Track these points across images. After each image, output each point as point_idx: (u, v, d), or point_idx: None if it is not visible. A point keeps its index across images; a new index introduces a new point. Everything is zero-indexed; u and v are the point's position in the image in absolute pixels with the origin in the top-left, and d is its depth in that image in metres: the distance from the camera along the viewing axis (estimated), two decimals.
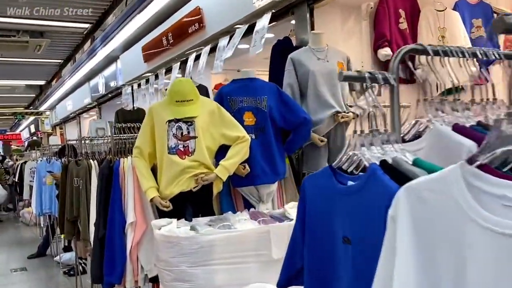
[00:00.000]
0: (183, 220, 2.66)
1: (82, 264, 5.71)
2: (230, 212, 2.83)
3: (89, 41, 7.82)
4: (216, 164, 2.86)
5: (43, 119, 15.69)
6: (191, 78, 4.34)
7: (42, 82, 11.38)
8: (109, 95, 8.20)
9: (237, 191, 3.18)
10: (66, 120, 12.37)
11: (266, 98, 2.99)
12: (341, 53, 3.27)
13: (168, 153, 2.77)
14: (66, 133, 12.80)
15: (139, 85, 6.59)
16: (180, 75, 6.00)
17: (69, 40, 7.51)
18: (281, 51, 3.40)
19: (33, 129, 17.85)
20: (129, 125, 4.01)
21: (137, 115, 6.91)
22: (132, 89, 6.77)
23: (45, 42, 6.59)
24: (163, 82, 5.82)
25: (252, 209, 2.96)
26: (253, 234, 2.53)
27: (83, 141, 4.81)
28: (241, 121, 2.94)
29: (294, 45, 3.46)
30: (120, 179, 2.91)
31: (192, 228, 2.58)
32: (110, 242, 2.83)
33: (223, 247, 2.46)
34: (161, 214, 2.78)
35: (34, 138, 15.43)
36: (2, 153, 16.88)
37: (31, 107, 15.03)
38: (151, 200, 2.77)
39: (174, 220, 2.54)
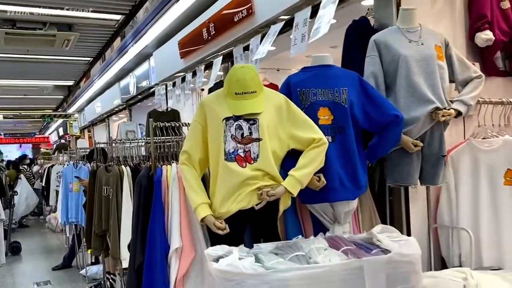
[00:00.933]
0: (242, 246, 2.03)
1: (111, 280, 5.14)
2: (300, 237, 2.19)
3: (119, 38, 7.32)
4: (284, 175, 2.23)
5: (71, 122, 15.41)
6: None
7: (70, 83, 10.99)
8: (139, 96, 7.69)
9: (304, 208, 2.54)
10: (94, 122, 11.98)
11: (346, 90, 2.34)
12: (438, 35, 2.60)
13: (225, 159, 2.16)
14: (94, 136, 12.42)
15: (173, 84, 6.04)
16: (222, 73, 5.42)
17: (98, 35, 7.01)
18: (357, 34, 2.74)
19: (61, 132, 17.63)
20: (166, 124, 3.39)
21: (172, 117, 6.38)
22: (166, 89, 6.21)
23: (73, 36, 6.10)
24: (201, 80, 5.23)
25: (327, 234, 2.32)
26: (340, 271, 1.89)
27: (113, 144, 4.25)
28: (314, 120, 2.30)
29: (373, 26, 2.80)
30: (163, 192, 2.30)
31: (257, 260, 1.95)
32: (148, 272, 2.22)
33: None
34: (214, 238, 2.16)
35: (62, 141, 15.14)
36: (31, 157, 16.69)
37: (59, 109, 14.75)
38: (202, 220, 2.15)
39: (235, 250, 1.92)
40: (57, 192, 8.25)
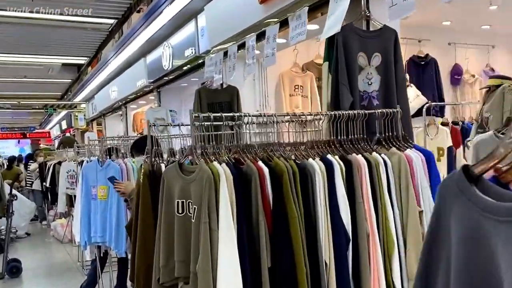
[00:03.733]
0: None
1: None
2: None
3: None
4: None
5: (76, 113, 13.66)
6: None
7: (82, 60, 9.14)
8: (176, 72, 5.96)
9: None
10: (106, 113, 10.23)
11: None
12: None
13: None
14: (106, 129, 10.67)
15: (225, 54, 4.37)
16: (317, 26, 3.73)
17: None
18: None
19: (64, 126, 15.89)
20: None
21: (229, 96, 4.69)
22: (223, 57, 4.51)
23: None
24: (273, 46, 3.51)
25: None
26: None
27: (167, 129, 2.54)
28: None
29: None
30: None
31: None
32: None
33: None
34: None
35: (67, 134, 13.39)
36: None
37: (64, 98, 12.95)
38: None
39: None
40: (68, 196, 6.55)
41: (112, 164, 3.99)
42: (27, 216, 8.55)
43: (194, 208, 1.99)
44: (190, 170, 2.08)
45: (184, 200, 2.07)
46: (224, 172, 1.97)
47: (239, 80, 4.69)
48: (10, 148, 21.85)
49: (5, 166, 10.69)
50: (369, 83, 2.71)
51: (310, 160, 2.07)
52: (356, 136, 2.24)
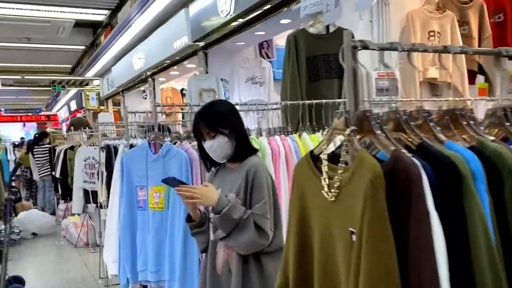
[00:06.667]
0: None
1: None
2: None
3: None
4: None
5: (87, 92, 12.00)
6: None
7: (101, 17, 7.30)
8: (239, 21, 4.26)
9: None
10: (126, 88, 8.56)
11: None
12: None
13: None
14: (125, 108, 8.97)
15: None
16: None
17: None
18: None
19: (74, 107, 14.26)
20: None
21: (339, 45, 3.02)
22: None
23: None
24: None
25: None
26: None
27: None
28: None
29: None
30: None
31: None
32: None
33: None
34: None
35: (79, 115, 11.73)
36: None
37: (74, 73, 11.23)
38: None
39: None
40: (86, 191, 4.94)
41: (174, 150, 2.35)
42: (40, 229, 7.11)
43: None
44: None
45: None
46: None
47: (351, 21, 3.01)
48: (15, 132, 20.32)
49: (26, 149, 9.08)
50: None
51: None
52: None
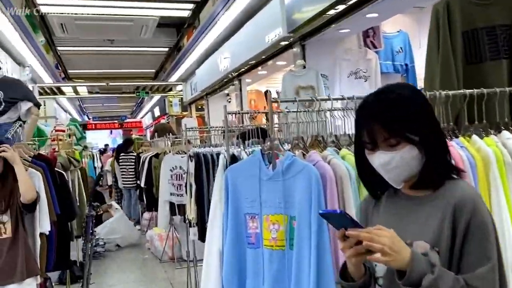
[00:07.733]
0: None
1: None
2: None
3: None
4: None
5: (170, 98, 11.82)
6: None
7: (184, 12, 6.73)
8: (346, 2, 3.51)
9: None
10: (211, 91, 8.09)
11: None
12: None
13: None
14: (209, 112, 8.54)
15: None
16: None
17: None
18: None
19: (157, 113, 14.25)
20: None
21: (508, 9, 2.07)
22: None
23: None
24: None
25: None
26: None
27: None
28: None
29: None
30: None
31: None
32: None
33: None
34: None
35: (163, 121, 11.57)
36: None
37: (157, 78, 11.06)
38: None
39: None
40: (172, 203, 4.43)
41: (299, 164, 1.65)
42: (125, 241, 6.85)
43: None
44: None
45: None
46: None
47: None
48: (103, 139, 21.05)
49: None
50: None
51: None
52: None
